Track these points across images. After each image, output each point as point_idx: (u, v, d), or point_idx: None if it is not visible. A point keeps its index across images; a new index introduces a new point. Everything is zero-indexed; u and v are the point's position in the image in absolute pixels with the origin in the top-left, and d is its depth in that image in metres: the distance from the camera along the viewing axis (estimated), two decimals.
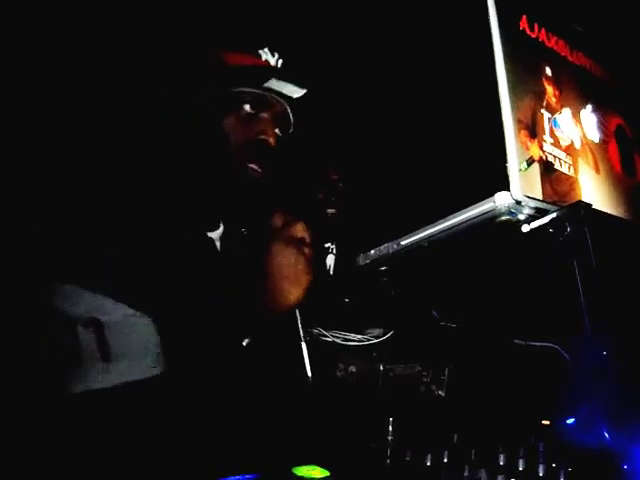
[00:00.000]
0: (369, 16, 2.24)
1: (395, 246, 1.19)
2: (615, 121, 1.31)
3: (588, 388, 1.06)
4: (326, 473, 1.14)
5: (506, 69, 1.06)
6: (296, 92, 1.37)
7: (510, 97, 1.06)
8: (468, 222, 1.10)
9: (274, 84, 1.34)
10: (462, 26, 1.77)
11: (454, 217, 1.11)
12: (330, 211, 1.46)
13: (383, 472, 1.22)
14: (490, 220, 1.07)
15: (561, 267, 1.07)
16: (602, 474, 1.04)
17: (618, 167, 1.28)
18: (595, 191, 1.20)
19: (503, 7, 1.09)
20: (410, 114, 1.46)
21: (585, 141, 1.22)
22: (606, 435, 1.03)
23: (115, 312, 1.19)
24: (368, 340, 1.52)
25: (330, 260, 1.68)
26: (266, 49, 1.39)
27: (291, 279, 1.24)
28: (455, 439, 1.24)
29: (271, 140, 1.35)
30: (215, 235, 1.41)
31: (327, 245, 1.69)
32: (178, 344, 1.22)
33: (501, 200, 1.04)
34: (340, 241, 1.71)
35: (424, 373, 1.44)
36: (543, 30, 1.18)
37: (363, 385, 1.43)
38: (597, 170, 1.22)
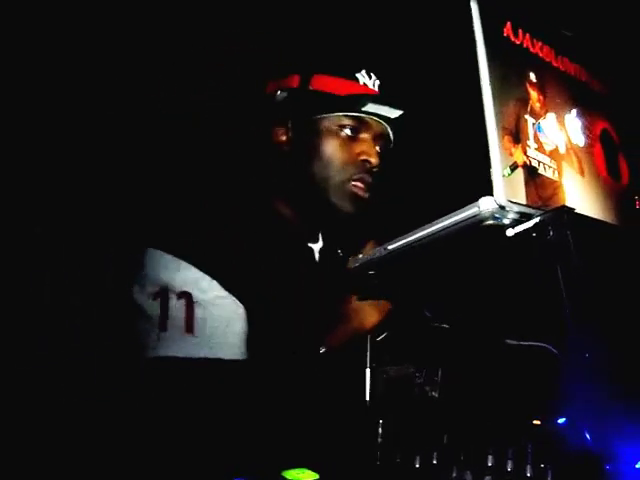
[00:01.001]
0: (350, 20, 2.27)
1: (383, 250, 1.21)
2: (600, 125, 1.32)
3: (576, 389, 1.07)
4: (315, 476, 1.15)
5: (490, 76, 1.07)
6: (393, 113, 1.44)
7: (494, 104, 1.07)
8: (454, 226, 1.11)
9: (371, 107, 1.41)
10: (446, 33, 1.78)
11: (440, 222, 1.12)
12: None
13: (373, 474, 1.24)
14: (475, 224, 1.08)
15: (546, 270, 1.08)
16: (590, 474, 1.05)
17: (603, 171, 1.29)
18: (580, 195, 1.21)
19: (487, 14, 1.10)
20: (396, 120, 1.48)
21: (570, 145, 1.22)
22: (594, 435, 1.04)
23: (209, 291, 1.31)
24: None
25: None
26: (363, 72, 1.47)
27: (372, 308, 1.40)
28: (445, 440, 1.25)
29: (373, 160, 1.44)
30: (315, 247, 1.55)
31: None
32: (261, 335, 1.36)
33: (485, 205, 1.05)
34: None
35: (417, 374, 1.45)
36: (528, 36, 1.19)
37: (355, 387, 1.44)
38: (582, 174, 1.23)
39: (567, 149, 1.22)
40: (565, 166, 1.20)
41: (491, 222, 1.07)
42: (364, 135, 1.45)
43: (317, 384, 1.38)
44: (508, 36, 1.15)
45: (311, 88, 1.45)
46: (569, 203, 1.16)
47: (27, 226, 2.59)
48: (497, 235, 1.10)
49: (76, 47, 2.51)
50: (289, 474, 1.14)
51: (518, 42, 1.17)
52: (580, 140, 1.26)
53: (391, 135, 1.50)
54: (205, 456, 1.23)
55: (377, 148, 1.47)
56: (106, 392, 1.45)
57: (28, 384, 2.30)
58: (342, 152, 1.44)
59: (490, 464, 1.19)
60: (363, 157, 1.44)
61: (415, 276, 1.37)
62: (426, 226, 1.14)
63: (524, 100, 1.15)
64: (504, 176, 1.05)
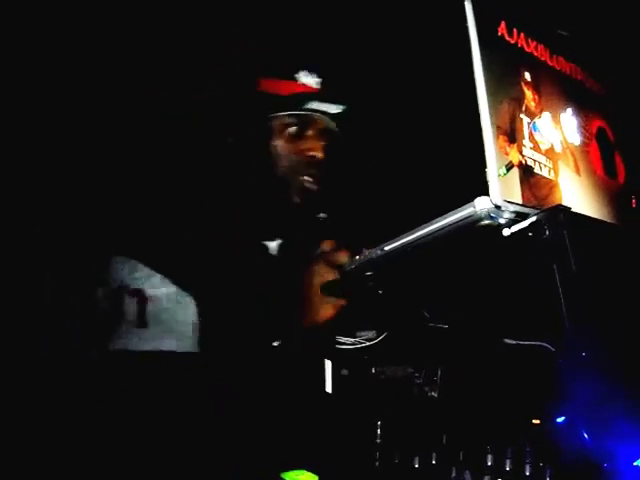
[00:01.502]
0: (344, 19, 2.26)
1: (379, 251, 1.21)
2: (596, 123, 1.32)
3: (574, 387, 1.07)
4: (315, 478, 1.15)
5: (484, 76, 1.07)
6: (333, 108, 1.53)
7: (489, 103, 1.06)
8: (450, 227, 1.11)
9: (312, 105, 1.51)
10: (440, 32, 1.78)
11: (436, 222, 1.12)
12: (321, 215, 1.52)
13: (372, 476, 1.24)
14: (471, 224, 1.08)
15: (543, 269, 1.08)
16: (588, 473, 1.05)
17: (599, 169, 1.29)
18: (576, 194, 1.20)
19: (482, 14, 1.10)
20: (390, 121, 1.48)
21: (566, 144, 1.22)
22: (592, 434, 1.04)
23: (161, 287, 1.39)
24: (361, 343, 1.53)
25: None
26: (305, 71, 1.54)
27: (322, 301, 1.39)
28: (444, 440, 1.25)
29: (318, 154, 1.52)
30: (272, 244, 1.60)
31: None
32: (213, 329, 1.40)
33: (481, 205, 1.05)
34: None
35: (416, 375, 1.45)
36: (522, 35, 1.18)
37: (354, 388, 1.44)
38: (578, 173, 1.23)
39: (563, 148, 1.21)
40: (561, 165, 1.20)
41: (487, 222, 1.07)
42: (309, 132, 1.54)
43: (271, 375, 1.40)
44: (502, 35, 1.15)
45: (258, 90, 1.54)
46: (565, 202, 1.16)
47: (27, 226, 2.60)
48: (493, 235, 1.10)
49: (76, 47, 2.51)
50: (288, 476, 1.14)
51: (513, 41, 1.17)
52: (576, 139, 1.26)
53: (336, 130, 1.57)
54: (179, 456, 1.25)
55: (323, 143, 1.54)
56: (100, 391, 1.48)
57: (28, 384, 2.30)
58: (290, 149, 1.52)
59: (489, 464, 1.19)
60: (310, 152, 1.52)
61: (412, 277, 1.37)
62: (422, 226, 1.14)
63: (519, 99, 1.15)
64: (499, 176, 1.05)
